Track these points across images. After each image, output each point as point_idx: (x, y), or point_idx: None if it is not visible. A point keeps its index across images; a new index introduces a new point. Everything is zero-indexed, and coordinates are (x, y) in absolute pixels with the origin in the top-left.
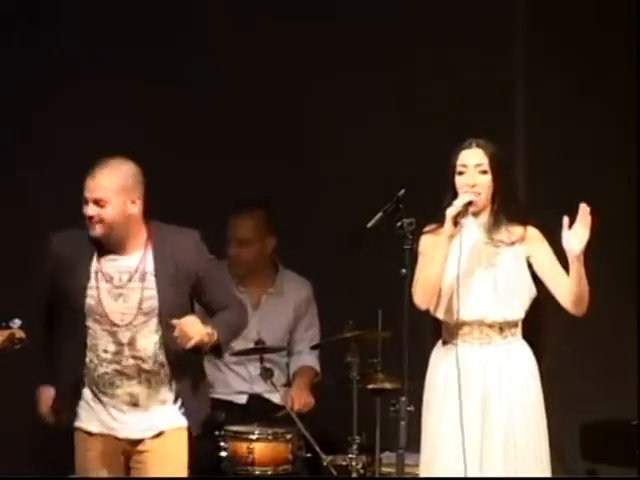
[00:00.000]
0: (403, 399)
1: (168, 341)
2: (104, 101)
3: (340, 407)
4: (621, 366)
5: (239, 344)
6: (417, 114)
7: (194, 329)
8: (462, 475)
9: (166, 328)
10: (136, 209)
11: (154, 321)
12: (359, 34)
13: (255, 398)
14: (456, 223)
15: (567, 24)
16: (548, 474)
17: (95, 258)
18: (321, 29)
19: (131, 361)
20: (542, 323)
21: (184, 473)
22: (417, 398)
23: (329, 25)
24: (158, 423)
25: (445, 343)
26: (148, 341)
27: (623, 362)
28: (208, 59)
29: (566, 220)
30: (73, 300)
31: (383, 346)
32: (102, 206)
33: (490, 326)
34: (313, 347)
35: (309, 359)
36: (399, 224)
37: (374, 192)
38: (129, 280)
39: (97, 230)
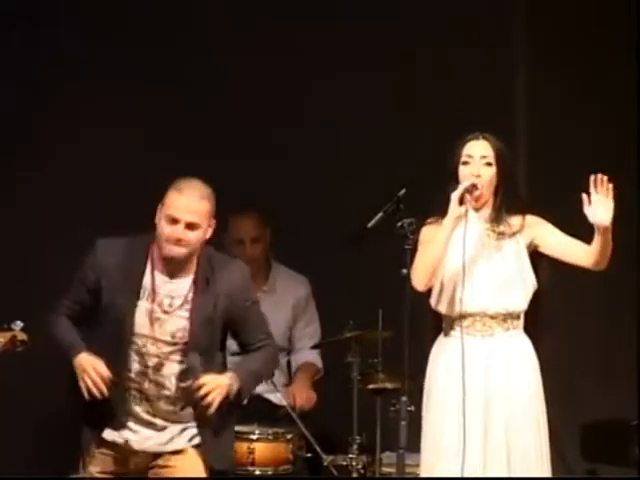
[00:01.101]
0: (404, 399)
1: (190, 374)
2: (104, 101)
3: (340, 407)
4: (621, 366)
5: None
6: (417, 114)
7: (215, 392)
8: (465, 468)
9: (191, 361)
10: (210, 233)
11: (182, 352)
12: (359, 34)
13: (255, 398)
14: (461, 202)
15: (567, 24)
16: (548, 469)
17: (148, 275)
18: (321, 29)
19: (153, 385)
20: (539, 316)
21: None
22: (417, 398)
23: (329, 25)
24: (178, 440)
25: (446, 336)
26: (173, 370)
27: (623, 362)
28: (208, 59)
29: (585, 197)
30: (119, 316)
31: (383, 346)
32: (193, 230)
33: (492, 317)
34: (314, 347)
35: (310, 356)
36: (399, 224)
37: (374, 192)
38: (170, 306)
39: (181, 252)
